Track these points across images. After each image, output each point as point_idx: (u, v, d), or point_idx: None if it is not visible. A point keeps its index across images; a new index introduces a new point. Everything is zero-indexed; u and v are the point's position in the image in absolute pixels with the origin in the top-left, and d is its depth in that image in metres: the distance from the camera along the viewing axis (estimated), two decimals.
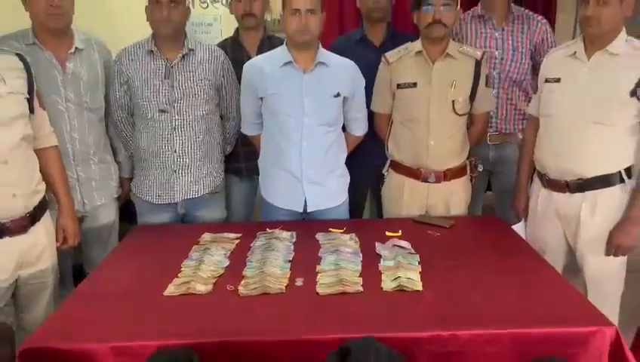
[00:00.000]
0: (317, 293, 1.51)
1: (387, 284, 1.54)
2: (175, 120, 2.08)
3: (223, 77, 2.19)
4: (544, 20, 2.43)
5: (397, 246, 1.80)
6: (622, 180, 1.83)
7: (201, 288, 1.53)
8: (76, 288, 1.65)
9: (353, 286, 1.53)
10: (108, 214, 2.19)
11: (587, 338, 1.30)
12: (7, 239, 1.63)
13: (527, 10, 2.46)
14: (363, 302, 1.46)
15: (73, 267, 2.32)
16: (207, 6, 2.69)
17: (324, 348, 1.23)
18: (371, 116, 2.27)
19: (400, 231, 1.94)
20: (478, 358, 1.30)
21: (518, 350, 1.28)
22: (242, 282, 1.57)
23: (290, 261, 1.72)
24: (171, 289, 1.53)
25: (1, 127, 1.58)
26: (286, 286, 1.55)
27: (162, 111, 2.07)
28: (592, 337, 1.30)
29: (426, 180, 2.16)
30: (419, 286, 1.53)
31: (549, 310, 1.39)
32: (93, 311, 1.45)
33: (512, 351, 1.28)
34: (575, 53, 1.86)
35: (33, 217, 1.70)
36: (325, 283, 1.55)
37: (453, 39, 2.26)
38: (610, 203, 1.84)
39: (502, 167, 2.45)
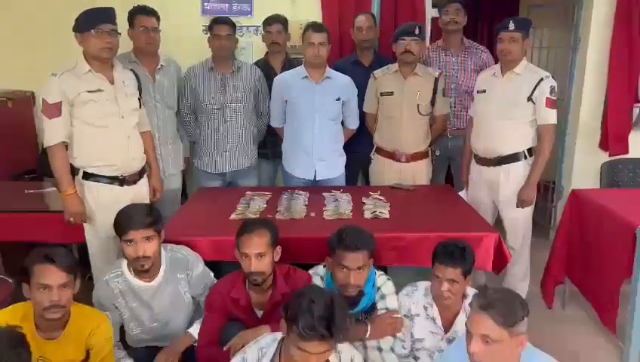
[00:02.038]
0: (323, 218, 2.45)
1: (367, 215, 2.48)
2: (226, 115, 3.02)
3: (259, 86, 3.13)
4: (487, 50, 3.38)
5: (376, 198, 2.74)
6: (525, 157, 2.77)
7: (252, 216, 2.46)
8: (174, 215, 2.58)
9: (346, 216, 2.47)
10: (176, 181, 3.12)
11: (481, 238, 2.24)
12: (126, 187, 2.53)
13: (475, 43, 3.41)
14: (352, 222, 2.37)
15: None
16: (243, 35, 3.64)
17: None
18: (363, 117, 3.20)
19: (379, 192, 2.86)
20: (417, 249, 2.23)
21: None
22: (277, 214, 2.50)
23: (306, 205, 2.64)
24: (233, 216, 2.47)
25: (127, 115, 2.51)
26: (304, 215, 2.48)
27: (218, 109, 3.01)
28: (484, 238, 2.24)
29: (399, 160, 3.07)
30: (387, 216, 2.47)
31: (462, 225, 2.35)
32: (190, 222, 2.39)
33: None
34: (494, 73, 2.81)
35: (140, 175, 2.62)
36: (329, 214, 2.49)
37: (423, 63, 3.21)
38: (518, 172, 2.78)
39: (457, 153, 3.35)
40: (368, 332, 1.93)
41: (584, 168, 3.86)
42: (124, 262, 2.04)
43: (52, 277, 1.65)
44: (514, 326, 1.47)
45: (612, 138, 3.71)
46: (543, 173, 4.10)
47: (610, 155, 3.73)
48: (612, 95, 3.66)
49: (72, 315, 1.75)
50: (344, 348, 1.62)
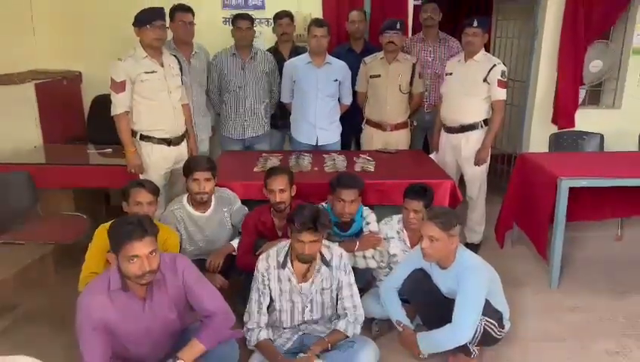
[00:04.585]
0: (324, 171, 3.23)
1: (357, 168, 3.27)
2: (245, 92, 3.77)
3: (271, 69, 3.87)
4: (457, 41, 4.10)
5: (364, 158, 3.51)
6: (482, 126, 3.55)
7: None
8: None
9: (341, 169, 3.25)
10: (205, 145, 3.88)
11: (439, 184, 3.03)
12: (172, 147, 3.27)
13: (448, 36, 4.15)
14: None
15: None
16: (256, 25, 4.34)
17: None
18: (355, 95, 3.94)
19: (367, 154, 3.64)
20: (394, 192, 3.01)
21: None
22: (289, 167, 3.27)
23: (310, 163, 3.42)
24: (256, 169, 3.25)
25: (174, 91, 3.21)
26: (309, 170, 3.27)
27: (239, 87, 3.76)
28: (441, 184, 3.04)
29: (385, 129, 3.84)
30: (372, 169, 3.26)
31: (426, 174, 3.15)
32: (225, 172, 3.15)
33: None
34: (459, 60, 3.57)
35: (182, 138, 3.37)
36: (328, 167, 3.28)
37: (406, 51, 3.95)
38: (475, 138, 3.55)
39: (432, 125, 4.12)
40: (357, 246, 2.73)
41: (539, 139, 4.61)
42: (185, 198, 2.83)
43: (143, 196, 2.43)
44: (450, 230, 2.26)
45: (560, 115, 4.48)
46: (510, 147, 4.92)
47: (558, 129, 4.50)
48: (561, 78, 4.43)
49: None
50: (336, 247, 2.40)
